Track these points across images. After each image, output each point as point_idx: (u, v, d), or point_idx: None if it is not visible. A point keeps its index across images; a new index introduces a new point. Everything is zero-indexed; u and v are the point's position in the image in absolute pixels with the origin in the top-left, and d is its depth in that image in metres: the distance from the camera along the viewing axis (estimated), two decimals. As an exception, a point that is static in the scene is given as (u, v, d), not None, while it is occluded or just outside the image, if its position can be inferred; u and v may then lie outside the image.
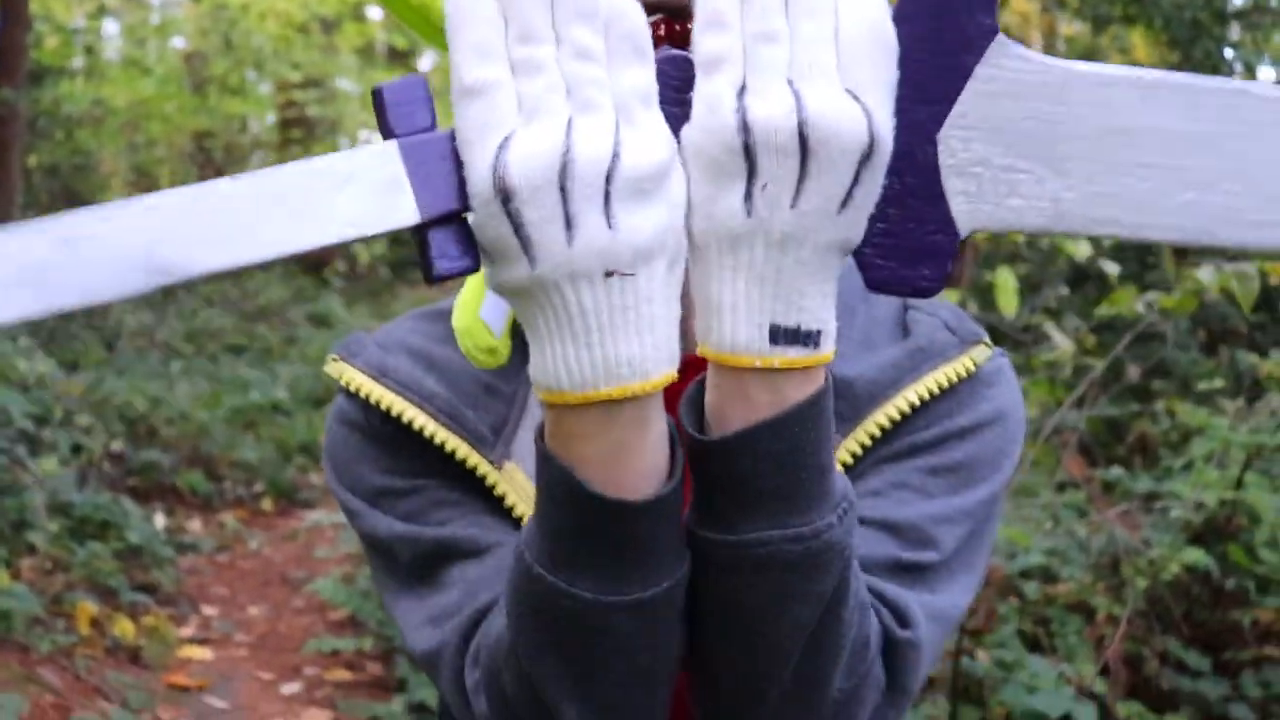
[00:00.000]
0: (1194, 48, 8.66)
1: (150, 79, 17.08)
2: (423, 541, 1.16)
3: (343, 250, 16.27)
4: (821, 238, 0.76)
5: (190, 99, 15.98)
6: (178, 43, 18.03)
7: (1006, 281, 4.60)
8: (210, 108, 15.79)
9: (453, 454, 1.17)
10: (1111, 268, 4.64)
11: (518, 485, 1.16)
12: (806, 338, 0.80)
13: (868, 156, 0.72)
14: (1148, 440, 6.16)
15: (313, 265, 15.72)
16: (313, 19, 15.38)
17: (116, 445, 7.85)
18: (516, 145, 0.73)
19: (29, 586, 5.45)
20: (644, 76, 0.76)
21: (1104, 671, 4.30)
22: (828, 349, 0.83)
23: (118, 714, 4.65)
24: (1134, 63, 8.98)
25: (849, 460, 1.14)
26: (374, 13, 19.55)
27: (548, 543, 0.90)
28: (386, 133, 0.78)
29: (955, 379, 1.15)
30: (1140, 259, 6.00)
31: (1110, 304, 4.48)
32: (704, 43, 0.75)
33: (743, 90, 0.74)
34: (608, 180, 0.73)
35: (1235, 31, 9.14)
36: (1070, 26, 12.05)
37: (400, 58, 18.03)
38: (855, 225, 0.78)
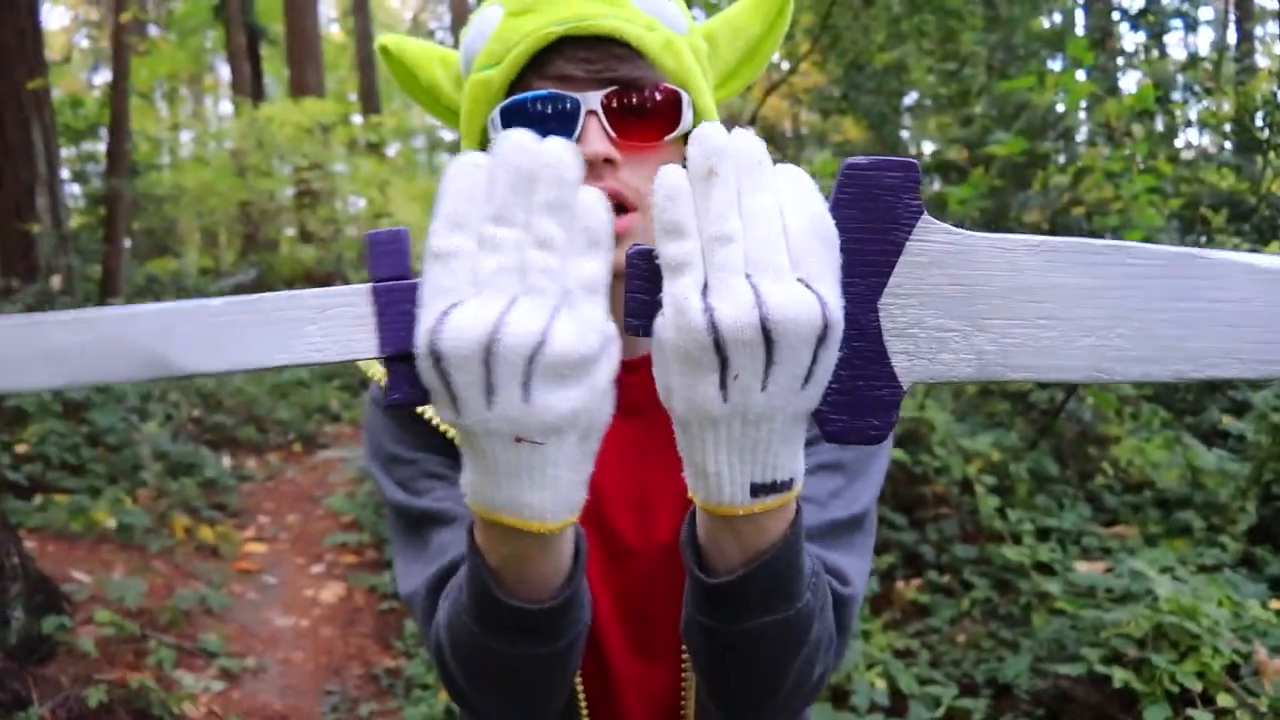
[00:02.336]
0: (883, 129, 9.10)
1: (210, 169, 17.14)
2: (412, 507, 1.02)
3: (341, 277, 16.32)
4: (790, 410, 0.63)
5: (236, 181, 15.96)
6: (227, 144, 18.02)
7: None
8: (249, 185, 15.76)
9: (446, 431, 1.03)
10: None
11: None
12: (782, 486, 0.68)
13: (823, 338, 0.60)
14: None
15: (321, 286, 15.67)
16: (315, 124, 15.62)
17: (196, 412, 7.86)
18: (456, 315, 0.60)
19: (142, 508, 5.53)
20: (595, 269, 0.62)
21: None
22: (798, 486, 0.70)
23: (205, 589, 4.68)
24: (846, 140, 9.49)
25: None
26: (356, 119, 19.68)
27: (471, 603, 0.79)
28: (371, 273, 0.66)
29: None
30: None
31: None
32: (667, 248, 0.61)
33: (706, 289, 0.60)
34: (530, 361, 0.59)
35: (907, 120, 9.86)
36: (807, 116, 11.97)
37: (374, 147, 18.28)
38: (817, 395, 0.64)
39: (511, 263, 0.60)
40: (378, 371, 1.05)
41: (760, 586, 0.75)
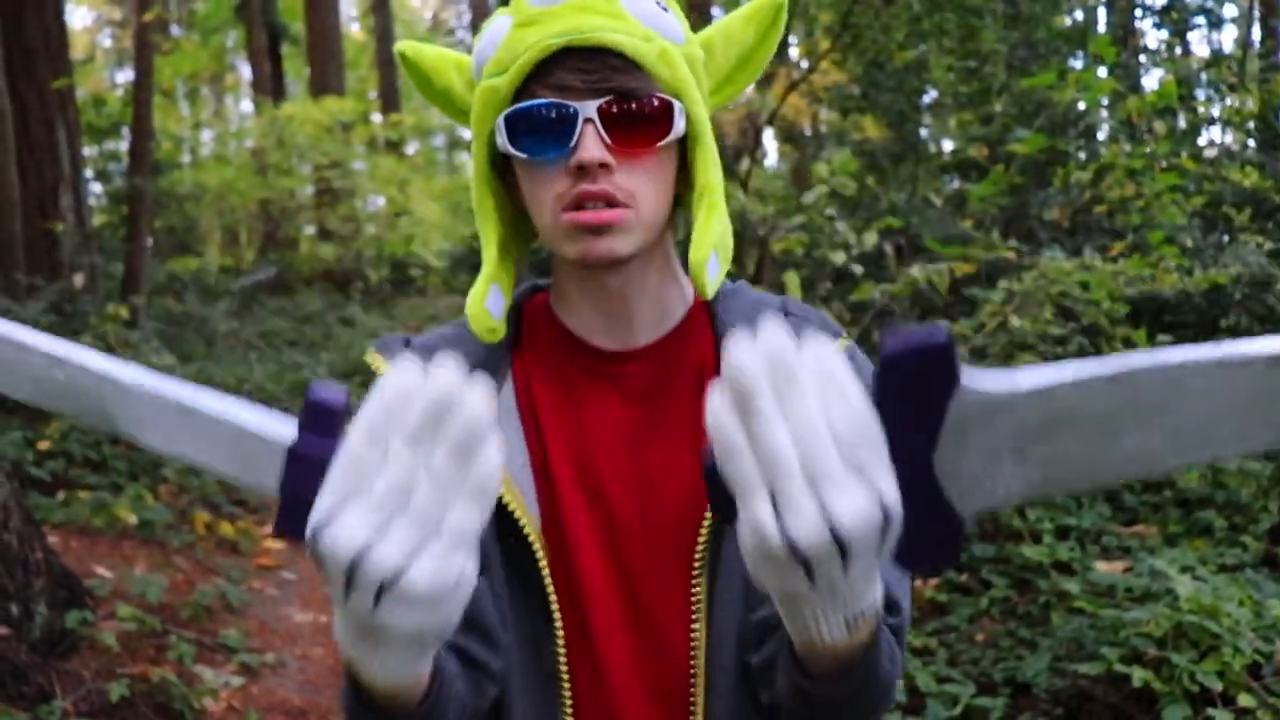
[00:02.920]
0: (903, 128, 9.09)
1: (230, 167, 17.35)
2: None
3: (359, 274, 16.44)
4: (870, 575, 0.69)
5: (256, 179, 16.05)
6: (248, 143, 18.31)
7: (793, 280, 4.72)
8: (269, 184, 15.86)
9: None
10: (858, 269, 5.04)
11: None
12: (870, 611, 0.73)
13: (886, 525, 0.63)
14: None
15: (340, 285, 15.65)
16: (335, 122, 15.67)
17: None
18: (337, 520, 0.62)
19: (163, 504, 5.57)
20: (472, 519, 0.63)
21: None
22: (881, 603, 0.76)
23: (225, 585, 4.72)
24: (865, 138, 9.47)
25: None
26: (376, 117, 19.77)
27: (348, 691, 0.80)
28: (299, 426, 0.67)
29: None
30: (876, 262, 6.48)
31: (858, 293, 4.90)
32: (728, 469, 0.63)
33: (775, 505, 0.62)
34: (383, 587, 0.62)
35: (926, 119, 9.80)
36: (826, 115, 11.94)
37: (394, 146, 18.39)
38: (888, 550, 0.67)
39: (403, 484, 0.62)
40: (379, 367, 1.08)
41: (852, 679, 0.82)
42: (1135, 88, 8.96)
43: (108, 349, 6.70)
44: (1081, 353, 5.41)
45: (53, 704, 3.24)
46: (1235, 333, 7.16)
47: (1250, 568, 4.04)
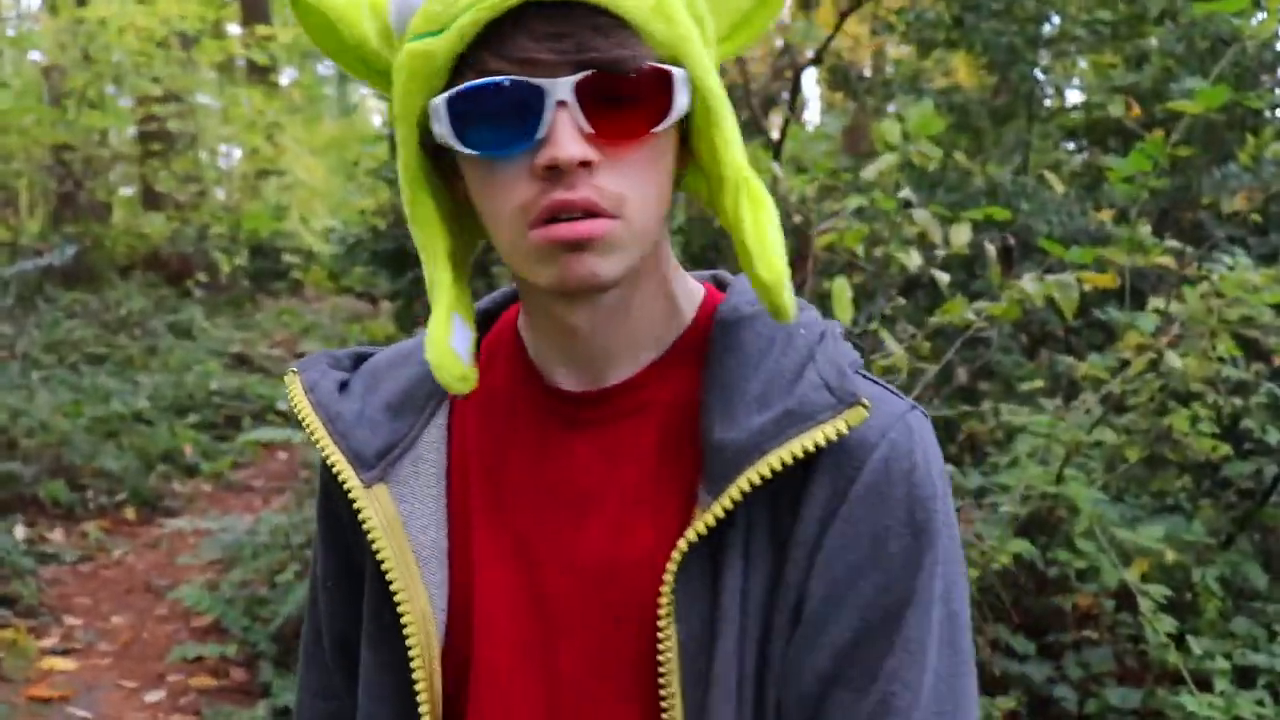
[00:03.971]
0: (1010, 71, 9.00)
1: (6, 92, 16.98)
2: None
3: (203, 260, 16.33)
4: None
5: (49, 112, 15.76)
6: (35, 56, 17.90)
7: (842, 291, 4.67)
8: (69, 121, 15.56)
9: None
10: (943, 276, 5.00)
11: (381, 506, 1.16)
12: None
13: None
14: (976, 439, 6.17)
15: (173, 276, 15.52)
16: (172, 34, 15.37)
17: None
18: None
19: None
20: None
21: None
22: None
23: None
24: (954, 85, 9.37)
25: (711, 524, 1.07)
26: (233, 29, 19.66)
27: None
28: None
29: (823, 442, 1.06)
30: (968, 269, 6.40)
31: (944, 313, 4.83)
32: None
33: None
34: None
35: (1045, 58, 9.71)
36: (898, 50, 11.72)
37: (261, 73, 18.22)
38: None
39: None
40: (293, 392, 1.23)
41: None
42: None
43: None
44: (1274, 408, 5.38)
45: None
46: None
47: None
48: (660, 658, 1.09)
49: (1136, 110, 6.05)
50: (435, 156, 1.11)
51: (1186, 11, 6.58)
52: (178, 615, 6.31)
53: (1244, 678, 4.59)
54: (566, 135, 0.98)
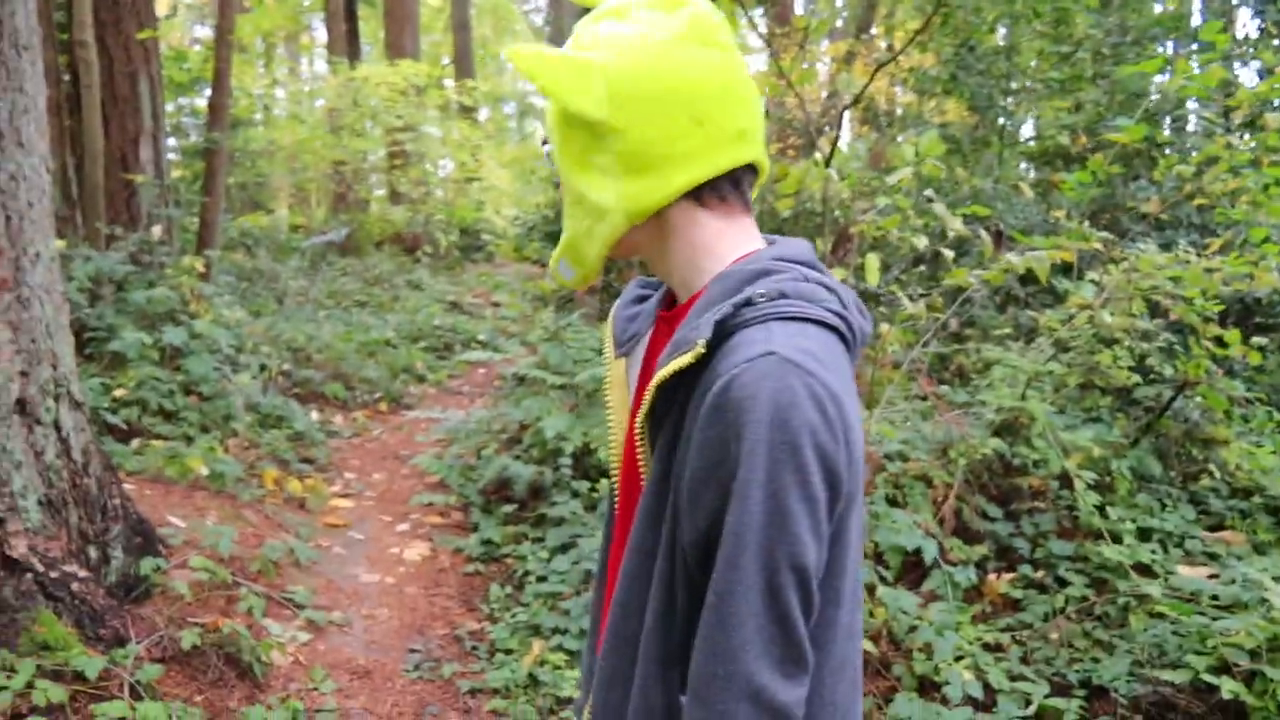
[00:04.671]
0: (987, 112, 8.85)
1: (304, 126, 17.45)
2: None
3: (428, 238, 16.49)
4: None
5: (330, 139, 16.18)
6: (321, 102, 18.45)
7: (872, 263, 4.61)
8: (343, 145, 16.05)
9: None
10: (948, 253, 4.94)
11: (616, 374, 1.24)
12: None
13: None
14: (963, 369, 6.24)
15: (409, 249, 15.73)
16: (409, 85, 15.70)
17: (286, 366, 7.96)
18: None
19: (234, 458, 5.67)
20: None
21: (939, 519, 4.45)
22: None
23: (294, 541, 4.75)
24: (947, 121, 9.17)
25: (646, 410, 1.06)
26: (448, 83, 19.76)
27: None
28: None
29: (680, 367, 1.01)
30: (960, 250, 6.33)
31: (951, 277, 4.80)
32: None
33: None
34: None
35: (1011, 104, 9.49)
36: (906, 96, 11.62)
37: (467, 111, 18.35)
38: None
39: None
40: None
41: None
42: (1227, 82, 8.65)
43: (182, 301, 6.80)
44: (1169, 351, 5.27)
45: (128, 648, 3.28)
46: (1330, 338, 6.91)
47: (1347, 582, 3.88)
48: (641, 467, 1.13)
49: (1083, 140, 5.88)
50: None
51: (1116, 72, 6.36)
52: (416, 475, 6.36)
53: (1143, 535, 4.52)
54: None
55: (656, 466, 1.06)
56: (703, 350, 0.99)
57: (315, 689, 3.61)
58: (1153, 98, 6.92)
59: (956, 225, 4.39)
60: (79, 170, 7.24)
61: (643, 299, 1.27)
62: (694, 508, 0.98)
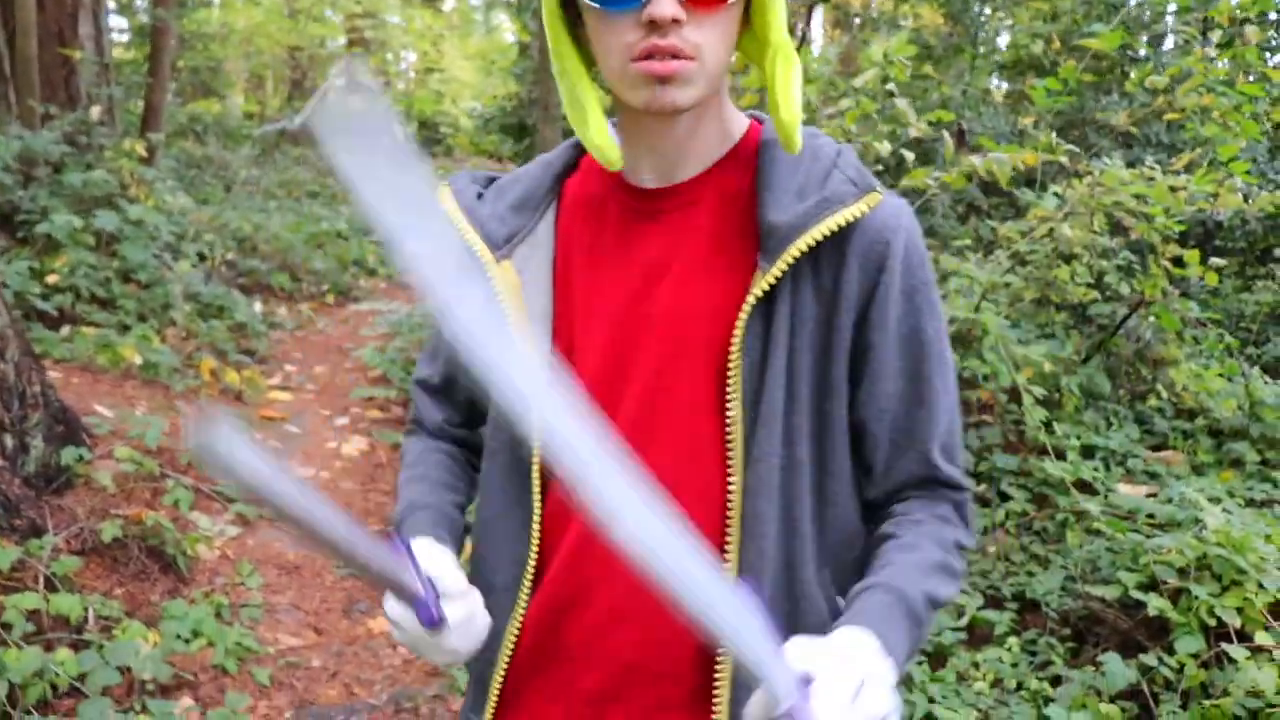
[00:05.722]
0: (962, 17, 8.69)
1: (260, 9, 16.81)
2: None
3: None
4: None
5: (287, 23, 15.74)
6: None
7: None
8: (300, 30, 15.58)
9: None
10: (909, 155, 4.86)
11: (507, 277, 1.12)
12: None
13: None
14: None
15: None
16: None
17: (230, 255, 7.80)
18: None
19: (170, 348, 5.55)
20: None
21: None
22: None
23: None
24: (921, 26, 8.92)
25: (773, 282, 1.04)
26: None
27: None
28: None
29: (852, 219, 1.03)
30: (924, 156, 6.24)
31: (910, 178, 4.72)
32: None
33: None
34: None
35: (986, 9, 9.30)
36: (882, 1, 11.23)
37: (430, 1, 17.83)
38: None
39: None
40: (445, 198, 1.18)
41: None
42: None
43: (121, 186, 6.59)
44: (1128, 270, 5.25)
45: (44, 539, 3.21)
46: (1289, 262, 6.94)
47: (1281, 504, 3.94)
48: (729, 378, 1.06)
49: (1058, 45, 5.75)
50: (567, 9, 1.10)
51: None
52: (358, 369, 6.34)
53: (1087, 452, 4.55)
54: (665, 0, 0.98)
55: (783, 341, 1.06)
56: (881, 197, 1.06)
57: (242, 583, 3.58)
58: (1131, 3, 6.79)
59: (917, 123, 4.29)
60: (10, 44, 6.92)
61: (480, 196, 1.20)
62: (887, 348, 1.08)
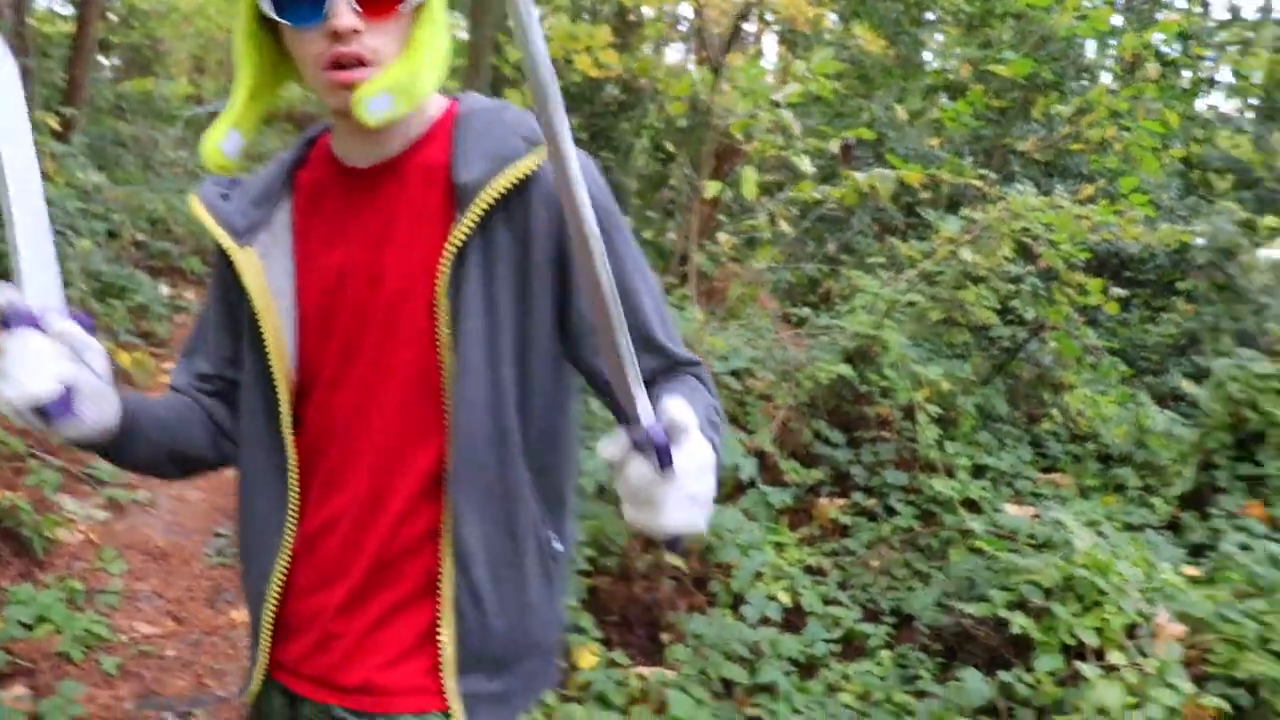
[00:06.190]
0: (898, 41, 8.81)
1: (201, -11, 16.53)
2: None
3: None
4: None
5: (228, 8, 15.43)
6: None
7: (750, 175, 4.80)
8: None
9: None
10: (805, 162, 4.88)
11: (250, 262, 1.25)
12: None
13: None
14: (830, 293, 6.25)
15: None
16: None
17: (141, 236, 7.67)
18: None
19: None
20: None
21: (776, 440, 4.40)
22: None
23: None
24: (860, 48, 9.00)
25: (467, 233, 1.16)
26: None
27: None
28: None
29: (530, 170, 1.16)
30: (834, 174, 6.28)
31: (798, 190, 4.75)
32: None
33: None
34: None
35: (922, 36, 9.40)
36: (833, 24, 11.47)
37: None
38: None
39: None
40: (194, 200, 1.33)
41: None
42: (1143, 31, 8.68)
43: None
44: (1034, 295, 5.32)
45: (-112, 513, 3.09)
46: (1192, 299, 7.09)
47: (1154, 529, 4.00)
48: (437, 313, 1.19)
49: (969, 69, 5.83)
50: (265, 21, 1.21)
51: (1017, 4, 6.30)
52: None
53: (978, 472, 4.59)
54: (343, 11, 1.12)
55: (479, 280, 1.19)
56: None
57: (103, 569, 3.46)
58: (1042, 35, 6.90)
59: (791, 124, 4.33)
60: (-84, 2, 6.71)
61: (226, 196, 1.32)
62: (561, 270, 1.21)
